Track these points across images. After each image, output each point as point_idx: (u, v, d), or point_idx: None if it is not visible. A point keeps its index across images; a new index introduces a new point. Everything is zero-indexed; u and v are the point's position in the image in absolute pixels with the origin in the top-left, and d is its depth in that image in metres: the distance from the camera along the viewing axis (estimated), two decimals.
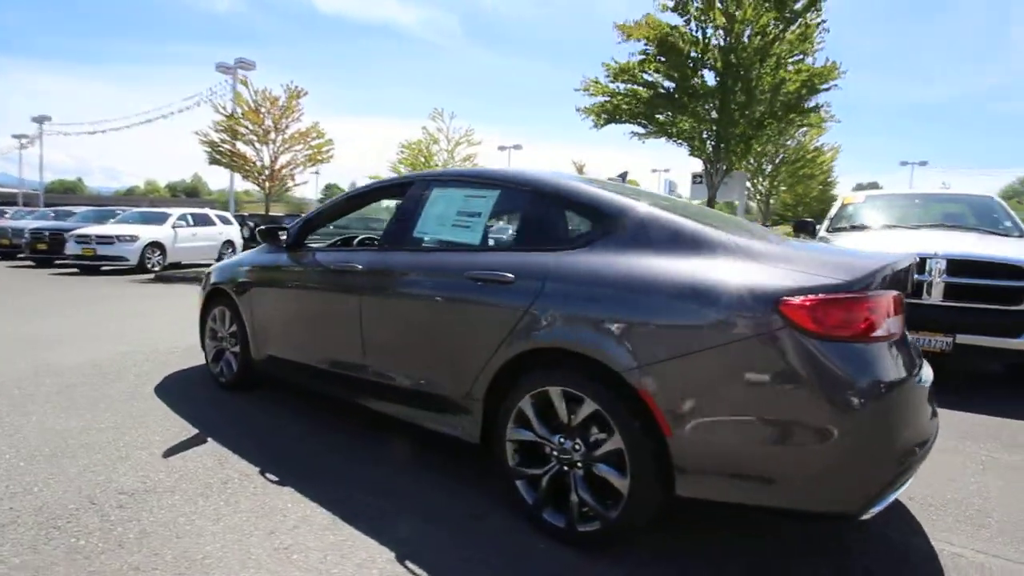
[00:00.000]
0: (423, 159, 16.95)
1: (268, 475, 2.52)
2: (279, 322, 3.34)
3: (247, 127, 11.84)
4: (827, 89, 8.47)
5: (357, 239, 3.79)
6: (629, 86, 9.73)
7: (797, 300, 1.66)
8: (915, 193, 6.18)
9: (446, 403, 2.43)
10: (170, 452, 2.74)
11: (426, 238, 2.70)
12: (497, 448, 2.24)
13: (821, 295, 1.66)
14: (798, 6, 7.93)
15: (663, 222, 2.06)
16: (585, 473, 2.01)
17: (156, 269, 11.95)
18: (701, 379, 1.76)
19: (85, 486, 2.35)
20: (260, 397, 3.61)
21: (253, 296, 3.47)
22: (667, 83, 9.26)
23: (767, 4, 7.84)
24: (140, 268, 11.71)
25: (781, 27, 8.08)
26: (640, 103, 9.50)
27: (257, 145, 12.03)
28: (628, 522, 1.90)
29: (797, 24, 8.03)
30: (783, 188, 18.71)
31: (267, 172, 12.20)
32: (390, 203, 3.68)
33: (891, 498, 1.72)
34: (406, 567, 1.88)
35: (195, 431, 3.02)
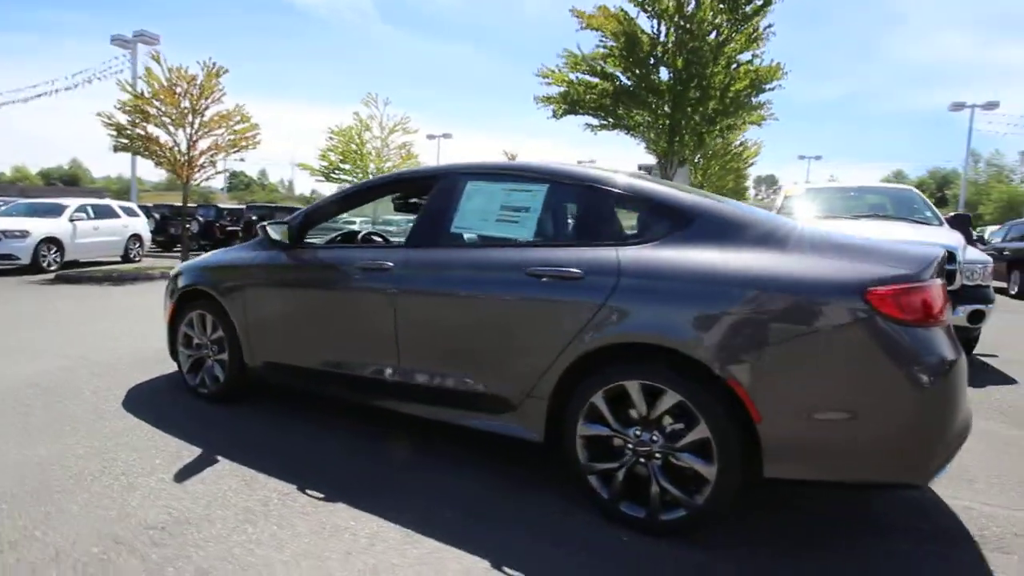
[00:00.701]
0: (355, 147, 16.13)
1: (310, 492, 2.33)
2: (282, 325, 3.08)
3: (160, 108, 10.63)
4: (771, 89, 9.22)
5: (360, 235, 3.56)
6: (586, 77, 9.91)
7: (881, 289, 1.79)
8: (850, 186, 6.84)
9: (502, 403, 2.37)
10: (183, 476, 2.45)
11: (466, 234, 2.60)
12: (566, 445, 2.23)
13: (900, 284, 1.81)
14: (748, 9, 8.50)
15: (736, 218, 2.13)
16: (664, 463, 2.05)
17: (53, 268, 10.52)
18: (790, 366, 1.86)
19: (99, 524, 2.05)
20: (251, 408, 3.32)
21: (248, 298, 3.17)
22: (625, 78, 9.55)
23: (722, 5, 8.35)
24: (34, 267, 10.25)
25: (733, 28, 8.66)
26: (606, 96, 9.71)
27: (172, 129, 10.84)
28: (714, 508, 1.97)
29: (747, 26, 8.62)
30: (713, 180, 20.05)
31: (184, 159, 11.05)
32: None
33: (948, 468, 1.92)
34: (506, 573, 1.83)
35: (198, 450, 2.72)
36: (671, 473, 2.04)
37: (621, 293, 2.09)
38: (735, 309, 1.92)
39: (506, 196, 2.54)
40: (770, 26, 8.48)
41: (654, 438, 2.06)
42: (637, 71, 9.29)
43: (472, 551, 1.94)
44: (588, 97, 9.99)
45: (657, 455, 2.06)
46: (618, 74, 9.70)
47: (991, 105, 26.72)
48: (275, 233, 3.06)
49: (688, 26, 8.67)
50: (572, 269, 2.19)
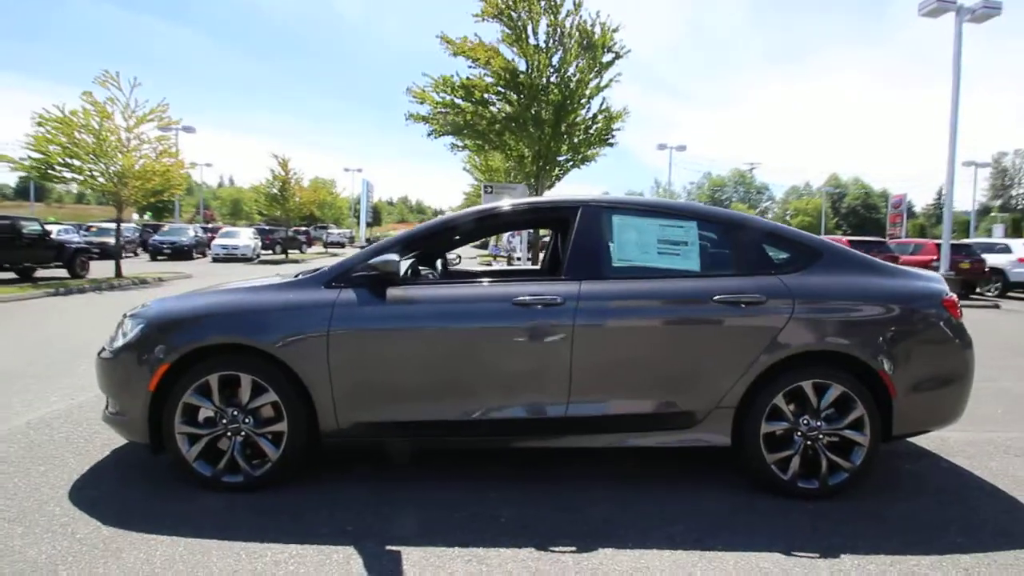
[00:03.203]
0: (87, 138, 12.02)
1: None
2: (397, 377, 2.65)
3: None
4: (619, 129, 10.98)
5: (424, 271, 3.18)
6: (461, 102, 9.88)
7: (947, 298, 2.79)
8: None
9: (688, 418, 2.65)
10: None
11: (629, 265, 2.75)
12: (748, 444, 2.66)
13: (951, 295, 2.84)
14: (605, 60, 9.95)
15: (846, 252, 2.89)
16: (828, 442, 2.68)
17: None
18: (908, 354, 2.69)
19: None
20: (305, 491, 2.70)
21: (336, 349, 2.59)
22: (510, 107, 9.88)
23: (584, 55, 9.56)
24: None
25: (591, 73, 9.99)
26: (494, 123, 9.83)
27: None
28: (867, 467, 2.68)
29: (601, 75, 10.09)
30: None
31: None
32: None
33: None
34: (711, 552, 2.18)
35: None
36: (832, 448, 2.68)
37: (798, 312, 2.64)
38: (877, 317, 2.67)
39: (660, 231, 2.81)
40: (619, 74, 10.28)
41: (820, 424, 2.67)
42: (521, 101, 9.89)
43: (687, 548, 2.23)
44: (479, 123, 10.12)
45: (823, 436, 2.67)
46: (493, 101, 10.10)
47: (682, 147, 35.74)
48: (383, 267, 2.59)
49: (559, 68, 9.73)
50: (757, 295, 2.64)
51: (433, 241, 2.90)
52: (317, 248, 38.35)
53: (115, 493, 2.60)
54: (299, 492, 2.63)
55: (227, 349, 2.64)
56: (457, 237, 3.05)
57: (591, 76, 9.72)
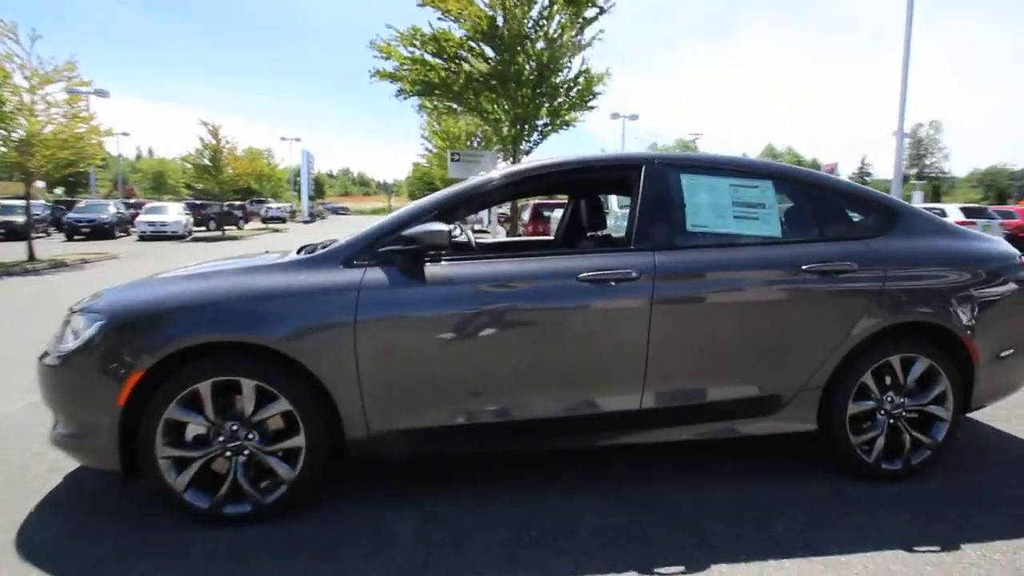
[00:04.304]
0: None
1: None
2: (441, 374, 2.18)
3: None
4: (600, 93, 10.38)
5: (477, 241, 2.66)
6: (432, 59, 8.93)
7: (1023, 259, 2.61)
8: None
9: (773, 402, 2.36)
10: None
11: (705, 232, 2.37)
12: (835, 426, 2.40)
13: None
14: (588, 14, 9.27)
15: (924, 213, 2.63)
16: (910, 419, 2.47)
17: None
18: (991, 320, 2.48)
19: None
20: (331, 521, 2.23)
21: (367, 344, 2.08)
22: (488, 63, 8.99)
23: (567, 9, 8.84)
24: None
25: (574, 32, 9.30)
26: (472, 81, 8.93)
27: None
28: (948, 442, 2.49)
29: (583, 32, 9.41)
30: None
31: None
32: None
33: None
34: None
35: None
36: (914, 424, 2.47)
37: (890, 281, 2.37)
38: (962, 283, 2.45)
39: (734, 192, 2.44)
40: (602, 31, 9.64)
41: (903, 400, 2.44)
42: (501, 57, 9.08)
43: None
44: (452, 82, 9.21)
45: (907, 413, 2.45)
46: (467, 58, 9.24)
47: (635, 116, 35.19)
48: (428, 239, 2.08)
49: (539, 22, 9.00)
50: (848, 263, 2.34)
51: (470, 206, 2.41)
52: (255, 224, 35.90)
53: (77, 536, 2.02)
54: (326, 517, 2.15)
55: (221, 348, 2.07)
56: (487, 202, 2.57)
57: (573, 33, 9.13)
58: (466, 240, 2.70)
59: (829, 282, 2.35)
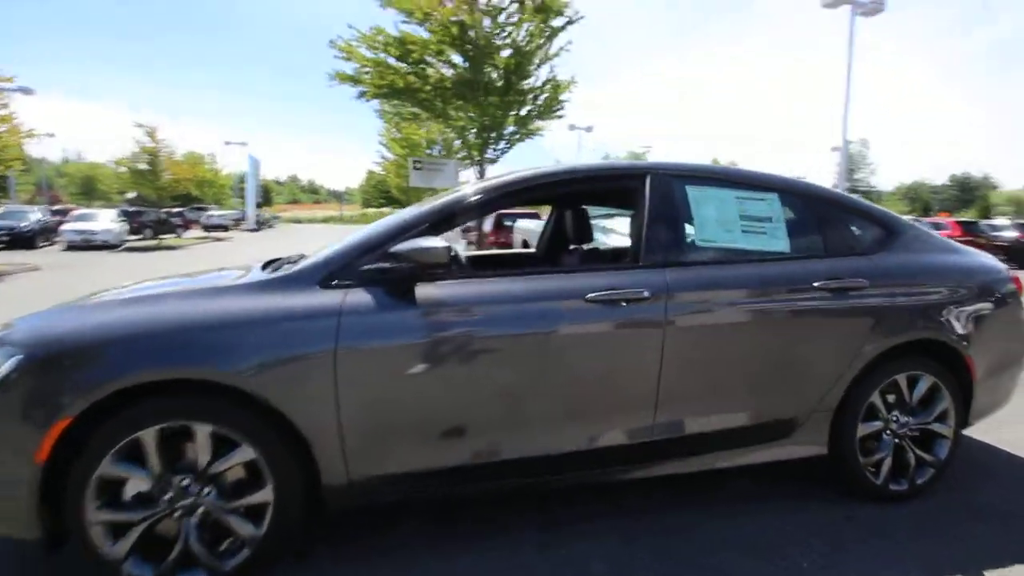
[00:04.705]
0: None
1: None
2: (443, 409, 1.92)
3: None
4: (567, 100, 10.22)
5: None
6: (397, 63, 8.47)
7: (1015, 275, 2.61)
8: None
9: (786, 426, 2.25)
10: None
11: (715, 247, 2.22)
12: (844, 448, 2.30)
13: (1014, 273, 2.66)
14: (556, 24, 9.10)
15: (923, 230, 2.59)
16: (913, 438, 2.40)
17: None
18: (987, 336, 2.45)
19: None
20: None
21: (353, 378, 1.80)
22: (454, 69, 8.57)
23: (536, 18, 8.64)
24: None
25: (542, 41, 9.10)
26: (441, 87, 8.48)
27: None
28: (950, 460, 2.44)
29: (551, 41, 9.23)
30: None
31: None
32: None
33: None
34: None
35: None
36: (916, 443, 2.41)
37: (899, 298, 2.29)
38: (963, 300, 2.41)
39: (740, 205, 2.31)
40: (569, 41, 9.52)
41: (908, 419, 2.38)
42: (471, 62, 8.73)
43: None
44: (418, 87, 8.77)
45: (910, 432, 2.38)
46: (434, 63, 8.86)
47: (589, 128, 35.72)
48: (422, 258, 1.82)
49: (506, 29, 8.77)
50: (859, 279, 2.25)
51: (463, 218, 2.16)
52: (196, 232, 33.94)
53: None
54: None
55: (169, 387, 1.73)
56: (479, 213, 2.34)
57: (541, 41, 9.02)
58: (455, 256, 2.45)
59: (841, 299, 2.25)
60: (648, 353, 2.03)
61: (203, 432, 1.73)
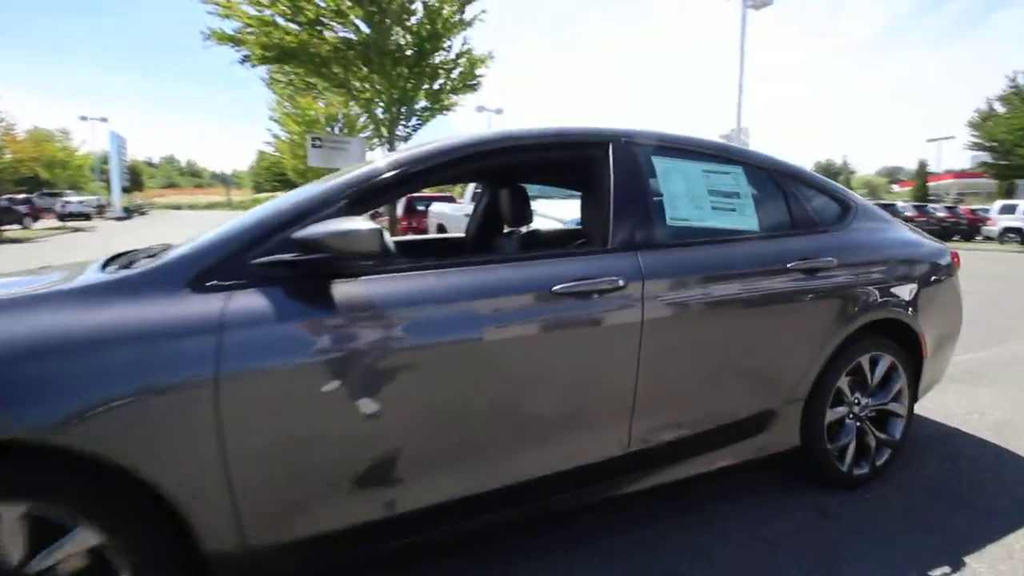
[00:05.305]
0: None
1: None
2: (376, 443, 1.46)
3: None
4: (483, 76, 9.46)
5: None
6: (287, 23, 7.20)
7: (954, 251, 2.63)
8: None
9: (765, 420, 2.08)
10: None
11: (687, 226, 1.94)
12: (813, 437, 2.19)
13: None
14: None
15: (871, 205, 2.52)
16: (872, 419, 2.35)
17: None
18: (935, 313, 2.46)
19: None
20: None
21: (245, 413, 1.29)
22: (356, 32, 7.41)
23: None
24: None
25: (455, 6, 8.26)
26: (343, 50, 7.27)
27: None
28: (904, 439, 2.42)
29: (464, 9, 8.42)
30: None
31: None
32: None
33: None
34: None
35: None
36: (876, 425, 2.36)
37: (862, 276, 2.19)
38: (918, 277, 2.39)
39: (707, 179, 2.06)
40: (483, 11, 8.77)
41: (867, 401, 2.32)
42: (375, 26, 7.66)
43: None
44: (315, 48, 7.54)
45: (869, 414, 2.33)
46: (331, 25, 7.71)
47: (499, 111, 34.92)
48: (342, 245, 1.34)
49: None
50: (829, 258, 2.10)
51: (386, 194, 1.67)
52: (50, 221, 29.09)
53: None
54: None
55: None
56: (407, 188, 1.85)
57: (455, 10, 8.31)
58: (384, 243, 1.92)
59: (813, 279, 2.10)
60: (624, 350, 1.73)
61: (10, 516, 1.15)
